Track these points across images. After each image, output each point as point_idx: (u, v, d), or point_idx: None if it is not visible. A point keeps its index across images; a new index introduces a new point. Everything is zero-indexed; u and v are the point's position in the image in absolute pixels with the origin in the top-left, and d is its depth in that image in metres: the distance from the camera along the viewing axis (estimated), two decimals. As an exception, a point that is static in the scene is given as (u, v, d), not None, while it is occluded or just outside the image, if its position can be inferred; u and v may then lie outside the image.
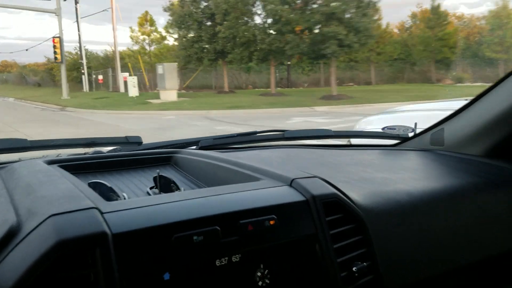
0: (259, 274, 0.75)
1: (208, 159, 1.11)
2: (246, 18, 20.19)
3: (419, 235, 1.03)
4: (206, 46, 22.07)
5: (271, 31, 18.93)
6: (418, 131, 1.67)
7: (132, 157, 1.19)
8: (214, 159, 1.09)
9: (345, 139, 2.26)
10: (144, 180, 1.10)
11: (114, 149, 1.42)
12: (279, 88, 24.21)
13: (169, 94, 19.08)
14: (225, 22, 19.87)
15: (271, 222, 0.76)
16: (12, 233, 0.64)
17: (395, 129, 1.64)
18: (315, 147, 1.56)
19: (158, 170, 1.01)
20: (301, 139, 1.61)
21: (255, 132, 1.63)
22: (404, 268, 0.99)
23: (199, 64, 24.10)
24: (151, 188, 1.02)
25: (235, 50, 20.79)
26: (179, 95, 19.96)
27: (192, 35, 22.25)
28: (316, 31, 17.12)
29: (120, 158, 1.17)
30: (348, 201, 0.90)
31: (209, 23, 21.68)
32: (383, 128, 1.67)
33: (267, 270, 0.76)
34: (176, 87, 20.14)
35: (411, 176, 1.23)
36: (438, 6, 22.51)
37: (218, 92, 23.66)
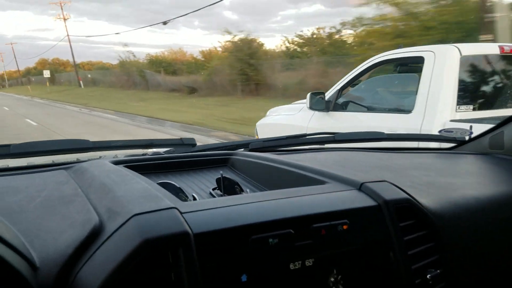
0: (332, 279, 0.74)
1: (267, 161, 1.10)
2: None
3: (487, 242, 0.99)
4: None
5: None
6: (475, 134, 1.62)
7: (191, 159, 1.20)
8: (273, 161, 1.09)
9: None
10: (204, 181, 1.11)
11: (168, 150, 1.45)
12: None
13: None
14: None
15: (344, 227, 0.75)
16: (96, 232, 0.66)
17: (452, 131, 1.58)
18: (368, 150, 1.53)
19: (221, 172, 1.01)
20: (353, 142, 1.58)
21: (305, 135, 1.62)
22: (472, 276, 0.95)
23: None
24: (213, 189, 1.03)
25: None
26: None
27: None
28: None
29: (180, 159, 1.19)
30: (421, 206, 0.87)
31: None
32: (439, 131, 1.62)
33: (340, 276, 0.75)
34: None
35: (476, 181, 1.18)
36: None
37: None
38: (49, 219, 0.74)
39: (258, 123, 4.77)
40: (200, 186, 1.07)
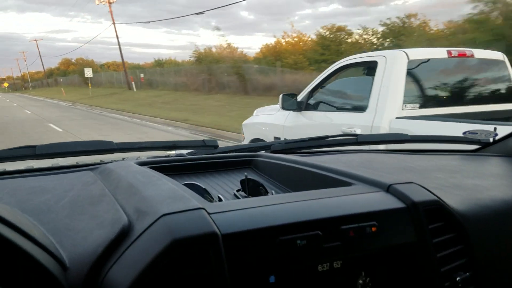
0: (360, 281, 0.73)
1: (291, 162, 1.10)
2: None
3: None
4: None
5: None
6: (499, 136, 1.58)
7: (214, 160, 1.21)
8: (297, 163, 1.08)
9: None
10: (228, 182, 1.11)
11: (190, 152, 1.45)
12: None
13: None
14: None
15: (373, 229, 0.74)
16: (125, 232, 0.66)
17: (476, 133, 1.55)
18: (391, 152, 1.51)
19: (245, 173, 1.01)
20: (375, 144, 1.57)
21: (327, 137, 1.61)
22: (501, 279, 0.93)
23: None
24: (237, 190, 1.03)
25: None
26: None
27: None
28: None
29: (204, 160, 1.19)
30: (450, 208, 0.86)
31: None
32: (464, 133, 1.59)
33: (368, 278, 0.74)
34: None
35: (502, 183, 1.16)
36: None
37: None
38: (77, 219, 0.74)
39: (243, 123, 5.06)
40: (224, 188, 1.07)
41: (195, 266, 0.62)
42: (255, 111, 5.09)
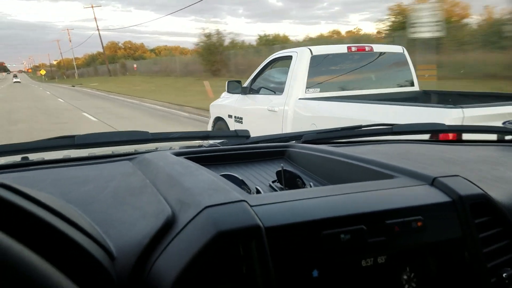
0: (405, 277, 0.72)
1: (327, 154, 1.08)
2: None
3: None
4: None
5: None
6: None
7: (248, 151, 1.20)
8: (334, 154, 1.06)
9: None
10: (262, 173, 1.11)
11: (222, 142, 1.45)
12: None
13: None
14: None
15: (418, 224, 0.72)
16: (169, 224, 0.67)
17: None
18: (428, 142, 1.47)
19: (282, 165, 1.00)
20: (411, 134, 1.53)
21: (360, 126, 1.57)
22: None
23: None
24: (273, 181, 1.02)
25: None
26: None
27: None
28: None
29: (238, 151, 1.19)
30: (495, 202, 0.83)
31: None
32: (503, 123, 1.53)
33: (413, 273, 0.72)
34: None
35: None
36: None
37: None
38: (121, 209, 0.75)
39: (211, 104, 6.15)
40: (259, 179, 1.06)
41: (237, 259, 0.62)
42: (222, 94, 5.92)
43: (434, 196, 0.77)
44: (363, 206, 0.71)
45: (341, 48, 4.43)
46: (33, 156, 1.25)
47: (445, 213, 0.76)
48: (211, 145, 1.33)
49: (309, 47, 4.33)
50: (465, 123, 2.51)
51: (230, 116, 5.37)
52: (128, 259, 0.62)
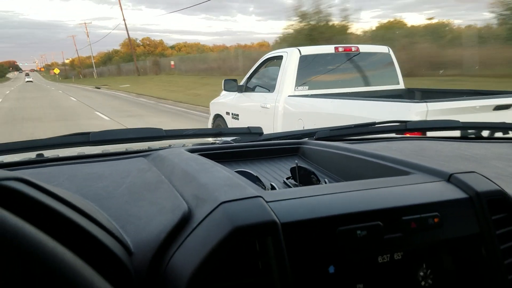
0: (421, 273, 0.71)
1: (342, 150, 1.08)
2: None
3: None
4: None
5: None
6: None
7: (261, 147, 1.20)
8: (349, 151, 1.06)
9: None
10: (276, 170, 1.11)
11: (235, 139, 1.46)
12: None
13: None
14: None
15: (435, 220, 0.71)
16: (186, 219, 0.67)
17: None
18: (442, 139, 1.46)
19: (296, 161, 1.00)
20: (425, 131, 1.52)
21: (374, 123, 1.57)
22: None
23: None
24: (287, 178, 1.02)
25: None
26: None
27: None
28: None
29: (251, 148, 1.19)
30: None
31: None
32: None
33: (429, 270, 0.72)
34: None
35: None
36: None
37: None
38: (137, 205, 0.76)
39: (211, 102, 6.47)
40: (272, 175, 1.06)
41: (253, 254, 0.62)
42: (221, 93, 6.14)
43: (451, 193, 0.77)
44: (379, 202, 0.71)
45: (329, 49, 4.79)
46: (48, 153, 1.26)
47: (462, 209, 0.75)
48: (224, 142, 1.33)
49: (298, 47, 4.74)
50: (428, 116, 2.79)
51: (227, 113, 5.70)
52: (145, 254, 0.63)
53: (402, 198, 0.73)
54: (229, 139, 1.45)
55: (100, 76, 60.67)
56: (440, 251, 0.73)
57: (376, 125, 1.55)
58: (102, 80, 46.04)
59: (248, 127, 1.44)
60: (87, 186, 0.87)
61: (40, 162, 1.10)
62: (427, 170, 0.85)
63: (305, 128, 3.75)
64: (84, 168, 1.02)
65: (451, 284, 0.73)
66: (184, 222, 0.67)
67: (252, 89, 5.27)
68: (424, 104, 2.80)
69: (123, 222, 0.69)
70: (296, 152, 1.24)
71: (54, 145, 1.22)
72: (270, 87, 4.84)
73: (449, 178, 0.81)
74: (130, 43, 51.30)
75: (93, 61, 66.47)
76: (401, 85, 5.03)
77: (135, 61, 48.78)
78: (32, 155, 1.24)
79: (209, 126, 6.42)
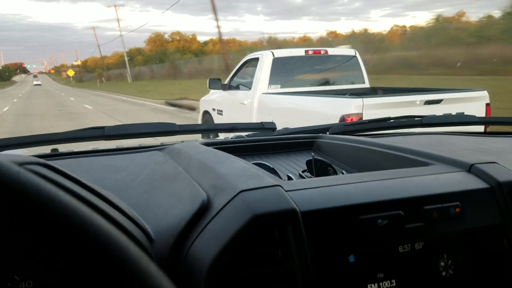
0: (442, 264, 0.70)
1: (358, 143, 1.07)
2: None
3: None
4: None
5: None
6: None
7: (276, 142, 1.20)
8: (366, 144, 1.05)
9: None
10: (291, 163, 1.10)
11: (248, 134, 1.45)
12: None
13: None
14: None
15: (457, 210, 0.70)
16: (205, 208, 0.67)
17: None
18: (459, 134, 1.44)
19: (312, 154, 0.99)
20: (441, 126, 1.50)
21: (389, 118, 1.55)
22: None
23: None
24: (303, 171, 1.01)
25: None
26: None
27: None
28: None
29: (266, 142, 1.19)
30: None
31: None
32: None
33: (450, 260, 0.71)
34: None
35: None
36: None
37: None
38: (155, 195, 0.76)
39: (201, 99, 6.95)
40: (288, 169, 1.06)
41: (272, 243, 0.61)
42: (210, 91, 6.61)
43: (472, 183, 0.76)
44: (400, 192, 0.70)
45: (300, 52, 5.34)
46: (62, 148, 1.27)
47: (484, 199, 0.74)
48: (237, 137, 1.33)
49: (272, 50, 5.27)
50: (364, 109, 3.42)
51: (213, 110, 6.24)
52: (166, 242, 0.63)
53: (423, 187, 0.72)
54: (242, 134, 1.45)
55: (134, 79, 45.62)
56: (461, 242, 0.72)
57: (392, 120, 1.53)
58: (141, 86, 31.69)
59: (261, 122, 1.43)
60: (105, 178, 0.87)
61: (55, 156, 1.10)
62: (448, 161, 0.84)
63: (273, 121, 4.02)
64: (101, 161, 1.02)
65: (471, 275, 0.72)
66: (204, 210, 0.66)
67: (235, 87, 5.81)
68: (361, 99, 3.46)
69: (143, 211, 0.69)
70: (311, 146, 1.23)
71: (68, 139, 1.22)
72: (249, 85, 5.34)
73: (470, 169, 0.79)
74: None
75: (126, 59, 47.63)
76: (367, 84, 5.57)
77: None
78: (46, 149, 1.25)
79: (199, 122, 6.95)
